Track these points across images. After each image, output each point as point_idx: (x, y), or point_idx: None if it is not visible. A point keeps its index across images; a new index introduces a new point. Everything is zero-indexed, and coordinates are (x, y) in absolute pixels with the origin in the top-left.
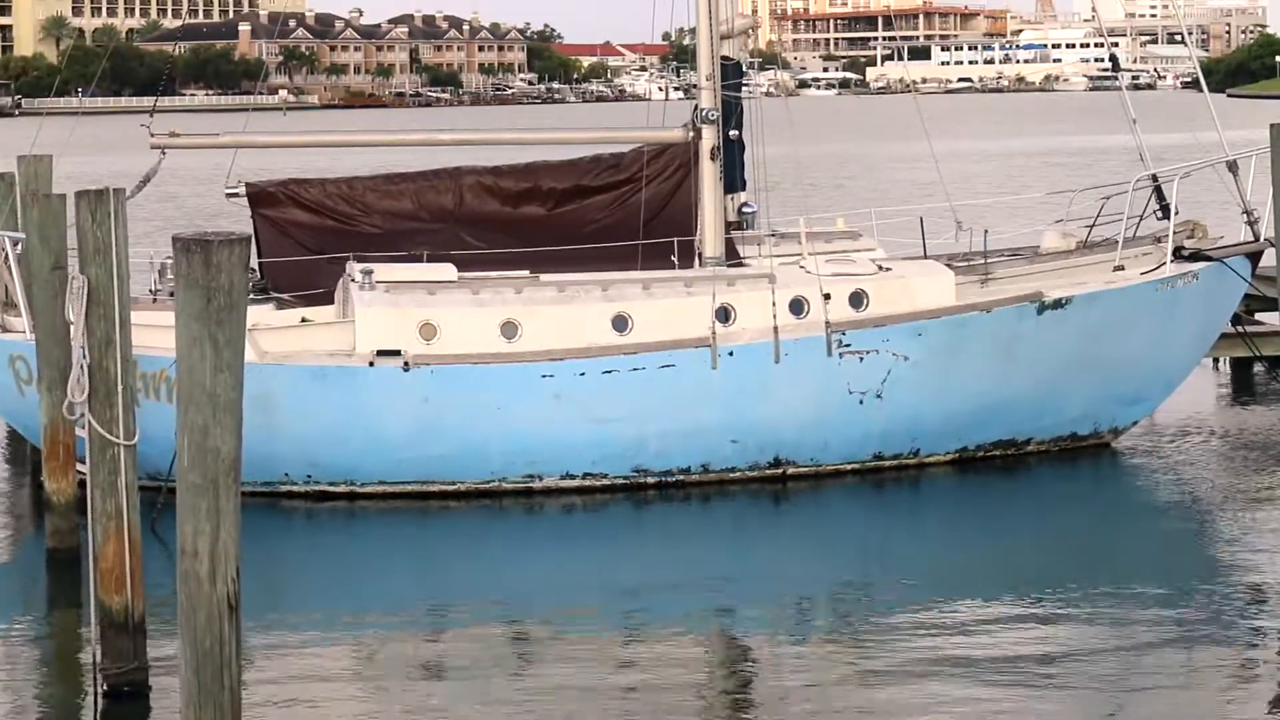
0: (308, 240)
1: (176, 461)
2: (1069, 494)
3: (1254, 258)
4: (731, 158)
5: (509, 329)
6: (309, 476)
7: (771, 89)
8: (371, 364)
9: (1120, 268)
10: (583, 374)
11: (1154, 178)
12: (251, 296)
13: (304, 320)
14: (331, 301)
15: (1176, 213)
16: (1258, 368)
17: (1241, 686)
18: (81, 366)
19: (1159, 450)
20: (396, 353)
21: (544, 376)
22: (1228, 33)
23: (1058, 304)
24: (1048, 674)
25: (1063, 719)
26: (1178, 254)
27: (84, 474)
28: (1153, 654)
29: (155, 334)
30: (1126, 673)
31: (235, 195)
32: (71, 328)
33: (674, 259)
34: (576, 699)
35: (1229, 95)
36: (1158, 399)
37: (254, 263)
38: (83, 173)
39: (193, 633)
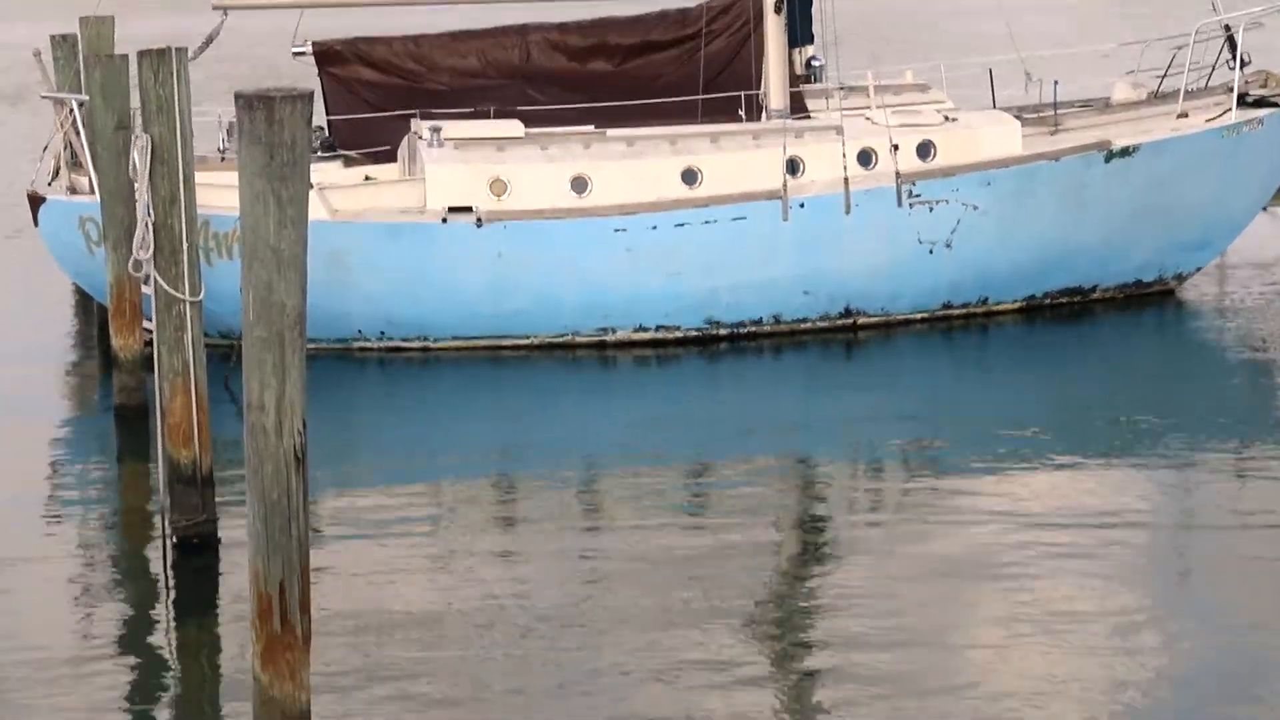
0: (374, 98)
1: (242, 317)
2: (1134, 341)
3: None
4: (796, 10)
5: (579, 184)
6: (382, 333)
7: None
8: (444, 220)
9: (1184, 115)
10: (655, 227)
11: (1226, 26)
12: (319, 154)
13: (368, 178)
14: (395, 160)
15: (1247, 61)
16: None
17: None
18: (146, 224)
19: (1222, 297)
20: (468, 209)
21: (616, 230)
22: None
23: (1125, 152)
24: (1109, 524)
25: (1123, 570)
26: (1242, 101)
27: (151, 331)
28: (1215, 503)
29: (228, 194)
30: (1188, 524)
31: (302, 54)
32: (136, 186)
33: (740, 113)
34: (649, 552)
35: None
36: (1221, 245)
37: (321, 121)
38: (144, 33)
39: (260, 485)
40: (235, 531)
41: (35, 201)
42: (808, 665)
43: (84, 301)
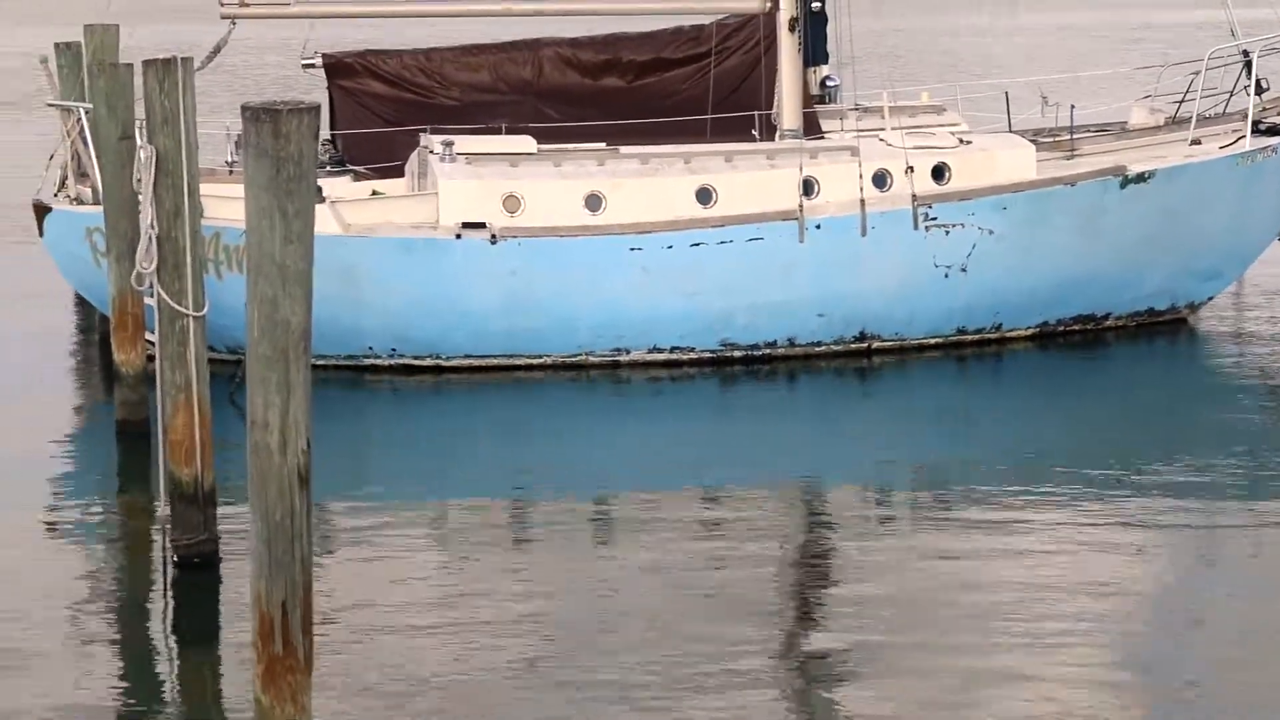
0: (384, 112)
1: (246, 333)
2: (1146, 370)
3: None
4: (811, 30)
5: (593, 201)
6: (394, 350)
7: None
8: (458, 236)
9: (1197, 142)
10: (670, 247)
11: (1244, 52)
12: (328, 168)
13: (374, 193)
14: (402, 174)
15: (1265, 87)
16: None
17: None
18: (150, 237)
19: (1236, 325)
20: (481, 225)
21: (632, 249)
22: None
23: (1140, 178)
24: (1123, 551)
25: (1139, 597)
26: (1256, 128)
27: (153, 345)
28: (1227, 533)
29: (239, 206)
30: (1201, 552)
31: (312, 66)
32: (140, 198)
33: (754, 133)
34: (660, 577)
35: None
36: (1234, 274)
37: (330, 134)
38: (150, 42)
39: (264, 505)
40: (237, 550)
41: (41, 211)
42: (818, 692)
43: (86, 313)
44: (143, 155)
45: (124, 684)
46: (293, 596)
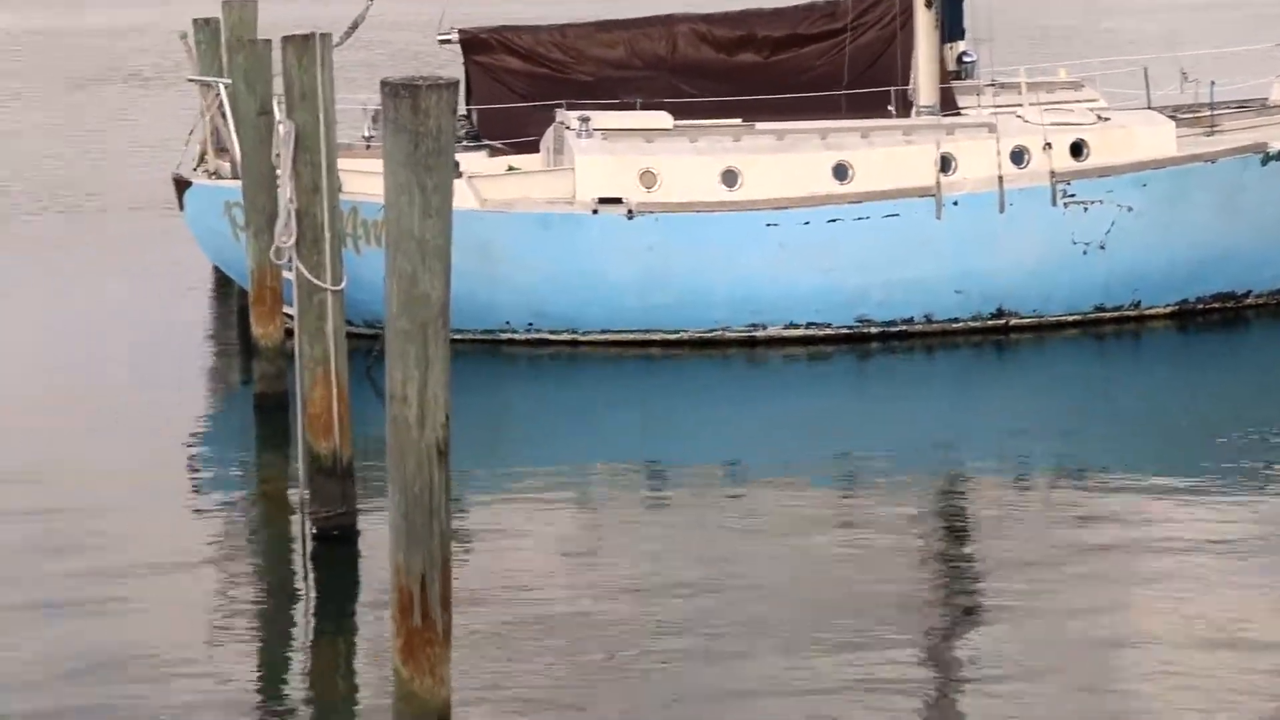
0: (520, 87)
1: (385, 308)
2: None
3: None
4: (949, 5)
5: (729, 177)
6: (530, 325)
7: None
8: (595, 211)
9: None
10: (807, 223)
11: None
12: (464, 144)
13: (511, 169)
14: (536, 150)
15: None
16: None
17: None
18: (289, 211)
19: None
20: (618, 200)
21: (768, 225)
22: None
23: None
24: (1264, 538)
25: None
26: None
27: (291, 318)
28: None
29: (374, 181)
30: None
31: (448, 41)
32: (279, 173)
33: (890, 109)
34: (795, 554)
35: None
36: None
37: (466, 109)
38: (288, 18)
39: (402, 478)
40: (375, 524)
41: (181, 186)
42: (951, 677)
43: (224, 287)
44: (282, 131)
45: (263, 657)
46: (431, 569)
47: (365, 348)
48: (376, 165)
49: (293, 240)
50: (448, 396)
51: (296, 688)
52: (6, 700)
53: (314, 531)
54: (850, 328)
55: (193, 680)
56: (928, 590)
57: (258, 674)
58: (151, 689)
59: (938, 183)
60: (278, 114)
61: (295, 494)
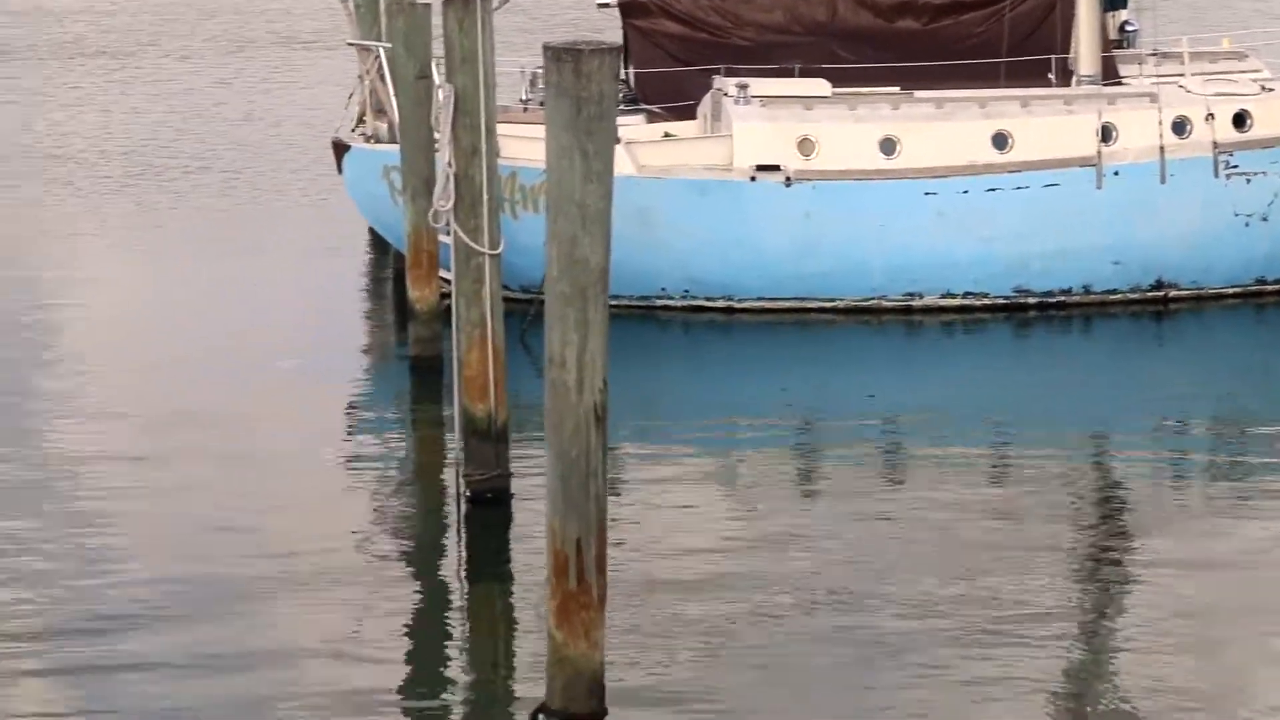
0: (678, 52)
1: (545, 272)
2: None
3: None
4: None
5: (887, 145)
6: (686, 291)
7: None
8: (753, 179)
9: None
10: (966, 192)
11: None
12: (621, 109)
13: (667, 135)
14: (693, 116)
15: None
16: None
17: None
18: (447, 175)
19: None
20: (776, 168)
21: (927, 194)
22: None
23: None
24: None
25: None
26: None
27: (448, 283)
28: None
29: (533, 146)
30: None
31: (606, 6)
32: (437, 136)
33: (1051, 77)
34: (946, 524)
35: None
36: None
37: (624, 74)
38: None
39: (560, 441)
40: (529, 487)
41: (340, 150)
42: (1114, 644)
43: (380, 251)
44: (441, 95)
45: (417, 617)
46: (587, 533)
47: (521, 312)
48: (534, 130)
49: (451, 204)
50: (606, 361)
51: (448, 649)
52: (167, 642)
53: (468, 494)
54: (1008, 298)
55: (346, 641)
56: (1081, 566)
57: (411, 636)
58: (304, 645)
59: (1098, 152)
60: (437, 78)
61: (450, 457)
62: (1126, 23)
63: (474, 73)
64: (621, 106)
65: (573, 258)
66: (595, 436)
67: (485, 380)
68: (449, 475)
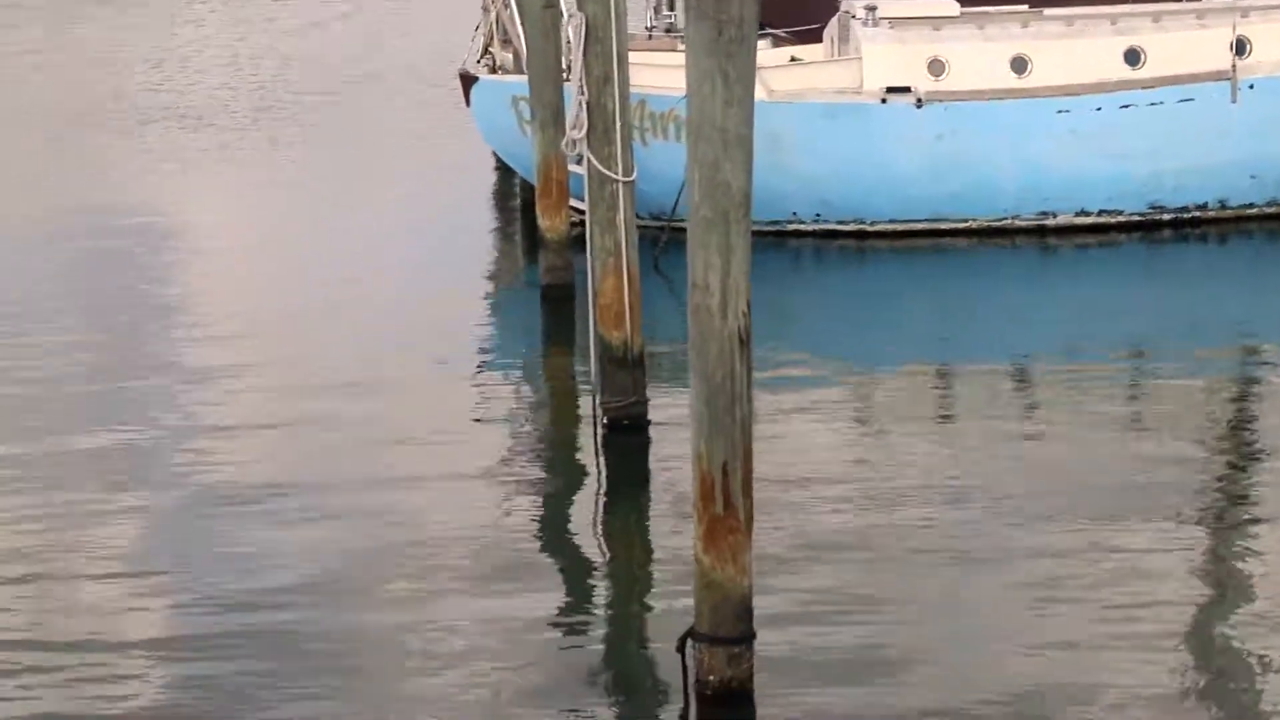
0: None
1: (687, 195)
2: None
3: None
4: None
5: (1018, 64)
6: (818, 215)
7: None
8: (883, 101)
9: None
10: (1099, 109)
11: None
12: None
13: (793, 59)
14: (817, 40)
15: None
16: None
17: None
18: (580, 103)
19: None
20: (906, 89)
21: (1059, 112)
22: None
23: None
24: None
25: None
26: None
27: (579, 211)
28: None
29: (666, 74)
30: None
31: None
32: (570, 65)
33: None
34: (1083, 450)
35: None
36: None
37: None
38: None
39: (704, 366)
40: (665, 414)
41: (467, 81)
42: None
43: (509, 181)
44: (573, 23)
45: (557, 548)
46: (733, 457)
47: (652, 238)
48: (661, 58)
49: (584, 132)
50: (749, 285)
51: (592, 576)
52: (318, 573)
53: (605, 421)
54: (1142, 215)
55: (483, 569)
56: (1218, 498)
57: (553, 565)
58: (441, 576)
59: (1233, 66)
60: (564, 6)
61: (585, 385)
62: None
63: (605, 1)
64: None
65: (715, 182)
66: (740, 360)
67: (621, 308)
68: (585, 403)
